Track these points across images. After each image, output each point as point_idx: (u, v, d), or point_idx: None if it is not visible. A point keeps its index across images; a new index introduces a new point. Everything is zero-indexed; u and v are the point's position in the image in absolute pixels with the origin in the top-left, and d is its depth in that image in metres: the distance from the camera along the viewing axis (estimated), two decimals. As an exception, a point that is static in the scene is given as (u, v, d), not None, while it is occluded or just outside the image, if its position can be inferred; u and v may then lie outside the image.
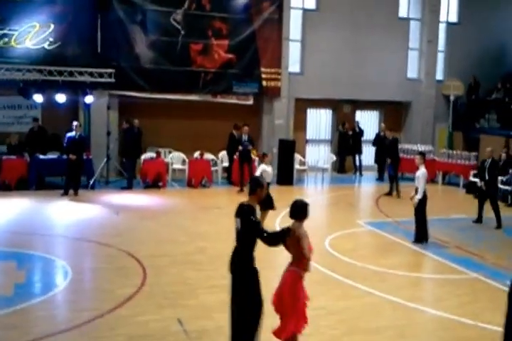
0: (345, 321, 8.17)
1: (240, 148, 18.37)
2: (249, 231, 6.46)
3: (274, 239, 6.59)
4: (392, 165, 18.59)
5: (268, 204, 13.23)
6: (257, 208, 6.62)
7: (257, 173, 14.06)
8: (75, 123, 16.64)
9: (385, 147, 19.51)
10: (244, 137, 18.49)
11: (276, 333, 6.57)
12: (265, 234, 6.43)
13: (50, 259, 10.50)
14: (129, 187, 17.77)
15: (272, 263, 8.72)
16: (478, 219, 14.68)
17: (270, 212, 12.92)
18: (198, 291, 7.88)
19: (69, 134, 16.48)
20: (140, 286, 9.18)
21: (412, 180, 19.09)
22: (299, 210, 6.56)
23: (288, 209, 6.59)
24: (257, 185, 6.64)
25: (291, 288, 6.49)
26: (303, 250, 6.35)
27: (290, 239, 6.48)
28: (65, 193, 16.38)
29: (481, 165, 15.29)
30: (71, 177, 16.53)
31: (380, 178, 21.32)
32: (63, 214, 14.49)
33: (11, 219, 13.70)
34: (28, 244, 11.40)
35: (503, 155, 17.62)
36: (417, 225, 12.58)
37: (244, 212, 6.52)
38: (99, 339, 7.29)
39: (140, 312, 8.14)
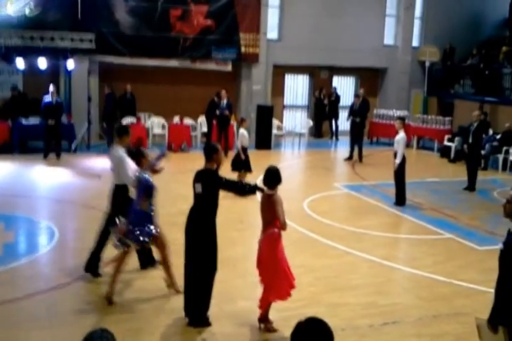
0: (323, 279, 8.46)
1: (218, 112, 18.45)
2: (213, 192, 6.62)
3: (242, 188, 6.90)
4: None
5: (246, 167, 13.75)
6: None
7: (238, 139, 14.19)
8: (51, 88, 16.61)
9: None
10: (223, 102, 18.49)
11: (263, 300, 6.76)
12: (230, 181, 6.68)
13: (37, 220, 10.71)
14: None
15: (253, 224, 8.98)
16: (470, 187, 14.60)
17: (248, 176, 13.40)
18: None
19: (46, 99, 16.50)
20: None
21: (388, 144, 19.50)
22: (273, 177, 6.61)
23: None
24: (212, 151, 6.73)
25: (269, 249, 6.60)
26: (279, 216, 6.44)
27: (265, 203, 6.63)
28: (45, 157, 16.55)
29: (466, 128, 15.39)
30: (50, 141, 16.69)
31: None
32: (47, 177, 14.64)
33: (-4, 182, 13.81)
34: (14, 206, 11.60)
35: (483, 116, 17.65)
36: (397, 188, 12.86)
37: (205, 177, 6.66)
38: (89, 295, 7.61)
39: (128, 270, 8.38)
